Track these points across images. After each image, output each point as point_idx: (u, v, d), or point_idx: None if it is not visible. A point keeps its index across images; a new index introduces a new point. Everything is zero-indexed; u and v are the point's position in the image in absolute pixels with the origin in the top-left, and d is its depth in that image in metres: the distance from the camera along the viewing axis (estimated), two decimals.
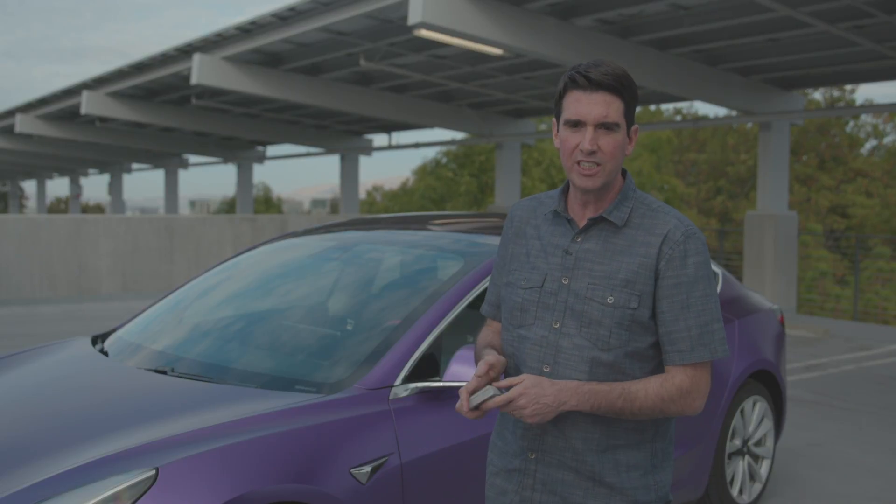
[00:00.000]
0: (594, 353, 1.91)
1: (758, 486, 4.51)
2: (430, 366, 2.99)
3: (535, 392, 1.83)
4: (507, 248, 2.10)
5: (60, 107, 18.38)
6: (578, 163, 1.91)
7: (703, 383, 1.92)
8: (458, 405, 1.87)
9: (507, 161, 17.48)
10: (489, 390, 1.85)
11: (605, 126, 1.89)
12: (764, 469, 4.56)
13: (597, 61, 1.92)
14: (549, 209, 2.04)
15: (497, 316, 2.14)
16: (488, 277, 3.24)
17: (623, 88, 1.89)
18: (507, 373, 2.05)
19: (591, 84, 1.89)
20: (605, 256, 1.93)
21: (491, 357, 1.94)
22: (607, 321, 1.90)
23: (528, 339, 1.99)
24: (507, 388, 1.87)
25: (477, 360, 2.14)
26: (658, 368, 1.96)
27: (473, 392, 1.88)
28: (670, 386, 1.89)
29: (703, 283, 1.91)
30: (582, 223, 1.98)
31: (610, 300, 1.90)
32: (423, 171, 37.60)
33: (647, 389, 1.88)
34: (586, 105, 1.89)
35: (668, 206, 1.99)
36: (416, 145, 19.85)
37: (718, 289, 4.46)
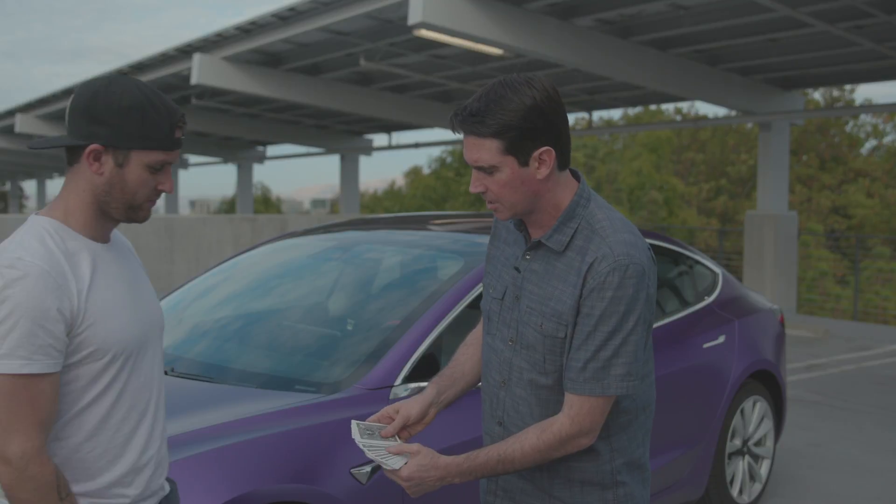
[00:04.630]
0: (532, 376, 1.89)
1: (758, 486, 4.51)
2: (430, 366, 2.99)
3: (419, 476, 1.83)
4: (490, 248, 2.08)
5: (60, 107, 18.36)
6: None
7: (588, 421, 1.81)
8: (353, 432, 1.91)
9: None
10: (379, 447, 1.88)
11: (483, 169, 1.80)
12: (764, 469, 4.56)
13: (478, 95, 1.78)
14: None
15: None
16: None
17: (500, 128, 1.74)
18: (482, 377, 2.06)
19: (457, 129, 1.80)
20: (544, 280, 1.86)
21: (409, 407, 1.97)
22: (540, 347, 1.86)
23: (493, 349, 1.98)
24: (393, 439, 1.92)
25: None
26: None
27: (371, 425, 1.94)
28: (548, 436, 1.81)
29: (614, 318, 1.76)
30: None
31: (542, 327, 1.85)
32: (414, 174, 37.62)
33: (524, 447, 1.82)
34: (464, 148, 1.82)
35: (613, 225, 1.82)
36: (416, 145, 19.85)
37: (718, 289, 4.46)
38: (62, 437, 1.63)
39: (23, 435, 1.52)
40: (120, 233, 1.82)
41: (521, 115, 1.74)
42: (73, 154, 1.66)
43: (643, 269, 1.79)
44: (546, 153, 1.78)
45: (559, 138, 1.79)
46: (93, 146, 1.62)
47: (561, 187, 1.85)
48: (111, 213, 1.69)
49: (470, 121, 1.76)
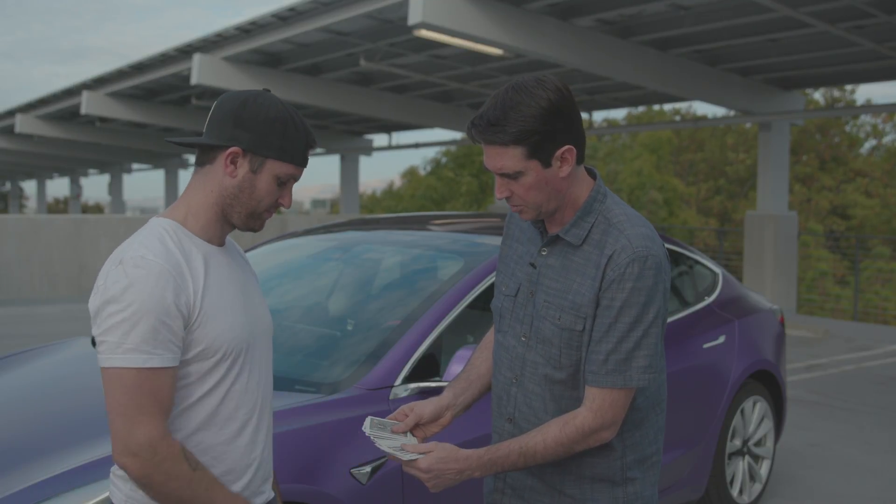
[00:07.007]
0: (547, 371, 1.89)
1: (758, 487, 4.51)
2: (430, 366, 2.99)
3: (438, 468, 1.82)
4: (502, 248, 2.09)
5: (60, 107, 18.39)
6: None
7: (611, 414, 1.82)
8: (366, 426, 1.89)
9: None
10: (396, 440, 1.88)
11: (507, 176, 1.80)
12: (764, 469, 4.56)
13: (492, 103, 1.77)
14: None
15: None
16: (488, 278, 3.25)
17: (521, 135, 1.74)
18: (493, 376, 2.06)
19: (477, 140, 1.80)
20: (562, 274, 1.87)
21: (423, 407, 1.98)
22: (557, 341, 1.86)
23: (504, 347, 1.98)
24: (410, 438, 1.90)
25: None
26: None
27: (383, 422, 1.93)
28: (570, 429, 1.81)
29: (635, 309, 1.78)
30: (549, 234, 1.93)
31: (559, 320, 1.86)
32: (411, 174, 37.58)
33: (546, 440, 1.82)
34: (485, 156, 1.81)
35: (630, 220, 1.85)
36: (416, 145, 19.87)
37: (718, 289, 4.46)
38: (170, 430, 1.66)
39: (147, 424, 1.57)
40: (232, 239, 1.86)
41: (540, 118, 1.74)
42: (206, 155, 1.72)
43: (661, 262, 1.81)
44: (568, 151, 1.79)
45: (577, 135, 1.80)
46: (233, 149, 1.68)
47: (579, 183, 1.87)
48: (231, 218, 1.74)
49: (490, 131, 1.76)
